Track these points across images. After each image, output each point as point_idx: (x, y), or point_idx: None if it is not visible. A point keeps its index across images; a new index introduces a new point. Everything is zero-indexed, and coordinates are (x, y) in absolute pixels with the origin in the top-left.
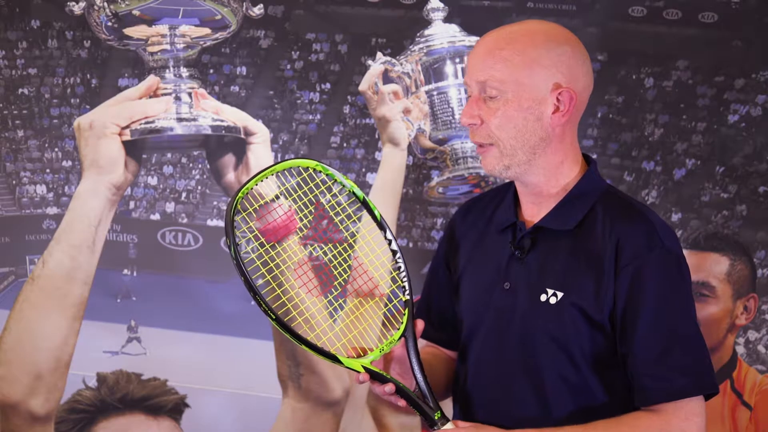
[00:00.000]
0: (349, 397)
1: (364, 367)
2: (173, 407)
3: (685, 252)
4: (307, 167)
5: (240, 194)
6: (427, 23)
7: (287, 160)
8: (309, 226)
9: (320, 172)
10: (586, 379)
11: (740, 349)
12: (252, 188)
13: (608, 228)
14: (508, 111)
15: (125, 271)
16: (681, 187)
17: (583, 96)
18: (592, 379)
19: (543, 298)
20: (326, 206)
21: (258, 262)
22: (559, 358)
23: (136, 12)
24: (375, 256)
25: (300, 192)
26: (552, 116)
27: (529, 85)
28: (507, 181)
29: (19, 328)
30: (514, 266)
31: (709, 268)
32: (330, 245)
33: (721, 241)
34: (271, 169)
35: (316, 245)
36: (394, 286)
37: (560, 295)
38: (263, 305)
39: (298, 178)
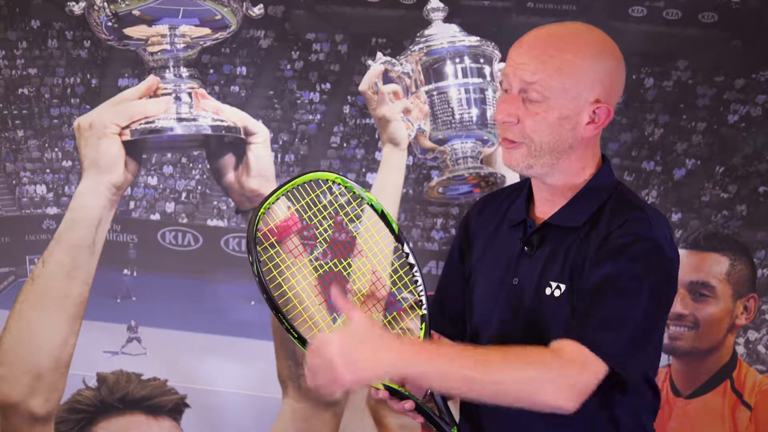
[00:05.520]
0: (349, 397)
1: (384, 384)
2: (173, 407)
3: (685, 252)
4: (327, 180)
5: (262, 210)
6: (427, 23)
7: (307, 173)
8: (311, 228)
9: (339, 185)
10: None
11: (740, 349)
12: (272, 204)
13: (609, 223)
14: (548, 117)
15: (125, 271)
16: (681, 187)
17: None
18: None
19: (548, 291)
20: (341, 212)
21: (275, 272)
22: None
23: (136, 12)
24: (377, 261)
25: (307, 199)
26: (585, 127)
27: (574, 96)
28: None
29: (19, 328)
30: (522, 262)
31: (709, 268)
32: (336, 259)
33: (721, 241)
34: (292, 183)
35: (318, 246)
36: (399, 290)
37: (563, 287)
38: (285, 323)
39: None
